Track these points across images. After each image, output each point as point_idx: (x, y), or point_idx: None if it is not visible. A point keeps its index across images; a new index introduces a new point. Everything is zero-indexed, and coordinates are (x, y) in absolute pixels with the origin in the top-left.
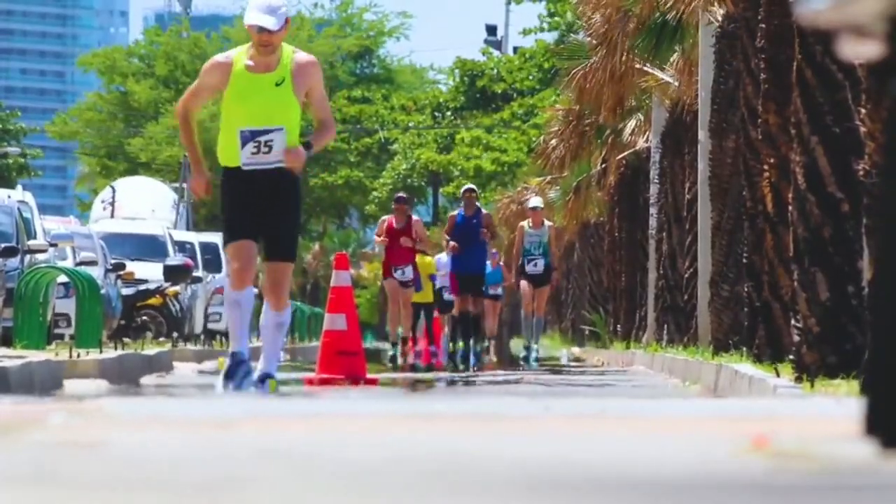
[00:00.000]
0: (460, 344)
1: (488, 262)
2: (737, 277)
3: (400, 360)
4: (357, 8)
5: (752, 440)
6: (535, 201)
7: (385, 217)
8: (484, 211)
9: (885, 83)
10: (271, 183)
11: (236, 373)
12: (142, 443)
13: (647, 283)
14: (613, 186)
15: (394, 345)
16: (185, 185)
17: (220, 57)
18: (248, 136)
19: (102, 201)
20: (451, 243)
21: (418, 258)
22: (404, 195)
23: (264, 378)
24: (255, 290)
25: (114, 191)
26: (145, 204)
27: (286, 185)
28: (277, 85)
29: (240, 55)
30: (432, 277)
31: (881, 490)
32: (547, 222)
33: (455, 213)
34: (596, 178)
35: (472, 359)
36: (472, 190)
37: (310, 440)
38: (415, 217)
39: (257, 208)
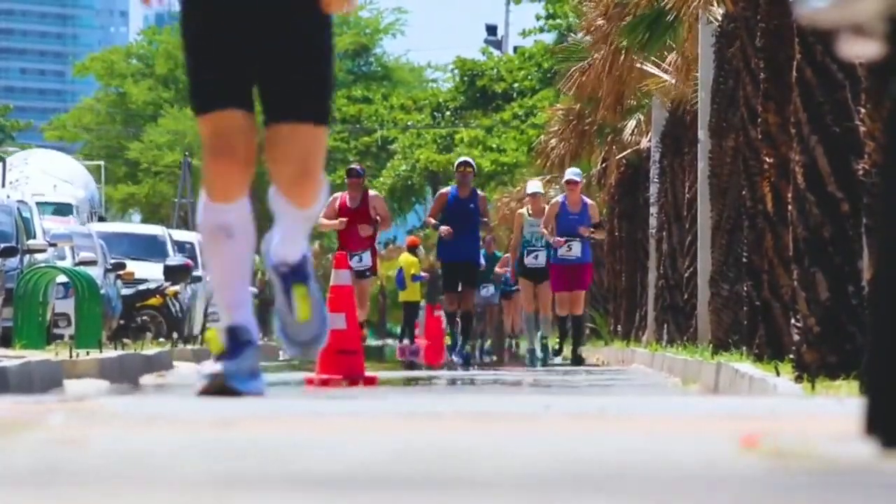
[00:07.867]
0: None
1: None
2: (737, 277)
3: None
4: None
5: (741, 440)
6: (535, 186)
7: (336, 195)
8: (480, 193)
9: (885, 83)
10: (272, 5)
11: (239, 354)
12: (143, 442)
13: (647, 282)
14: (613, 186)
15: None
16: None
17: None
18: None
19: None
20: (444, 227)
21: (403, 258)
22: (358, 167)
23: (289, 276)
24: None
25: (4, 164)
26: (45, 180)
27: (301, 2)
28: None
29: None
30: (415, 278)
31: (881, 490)
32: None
33: (446, 190)
34: (596, 177)
35: (457, 357)
36: (468, 164)
37: (312, 439)
38: (372, 192)
39: (249, 40)
